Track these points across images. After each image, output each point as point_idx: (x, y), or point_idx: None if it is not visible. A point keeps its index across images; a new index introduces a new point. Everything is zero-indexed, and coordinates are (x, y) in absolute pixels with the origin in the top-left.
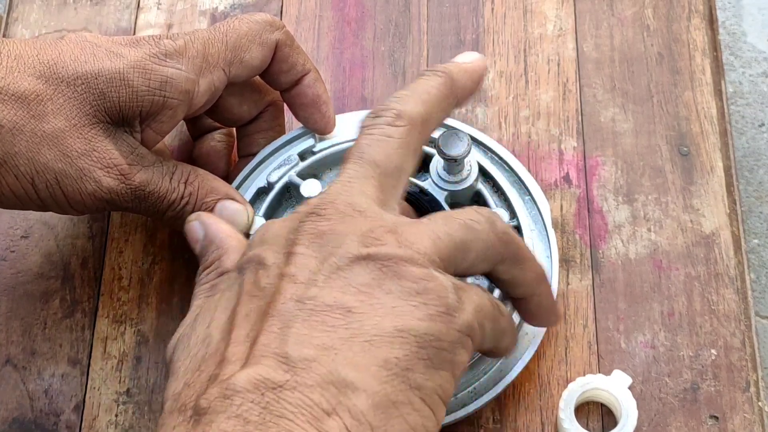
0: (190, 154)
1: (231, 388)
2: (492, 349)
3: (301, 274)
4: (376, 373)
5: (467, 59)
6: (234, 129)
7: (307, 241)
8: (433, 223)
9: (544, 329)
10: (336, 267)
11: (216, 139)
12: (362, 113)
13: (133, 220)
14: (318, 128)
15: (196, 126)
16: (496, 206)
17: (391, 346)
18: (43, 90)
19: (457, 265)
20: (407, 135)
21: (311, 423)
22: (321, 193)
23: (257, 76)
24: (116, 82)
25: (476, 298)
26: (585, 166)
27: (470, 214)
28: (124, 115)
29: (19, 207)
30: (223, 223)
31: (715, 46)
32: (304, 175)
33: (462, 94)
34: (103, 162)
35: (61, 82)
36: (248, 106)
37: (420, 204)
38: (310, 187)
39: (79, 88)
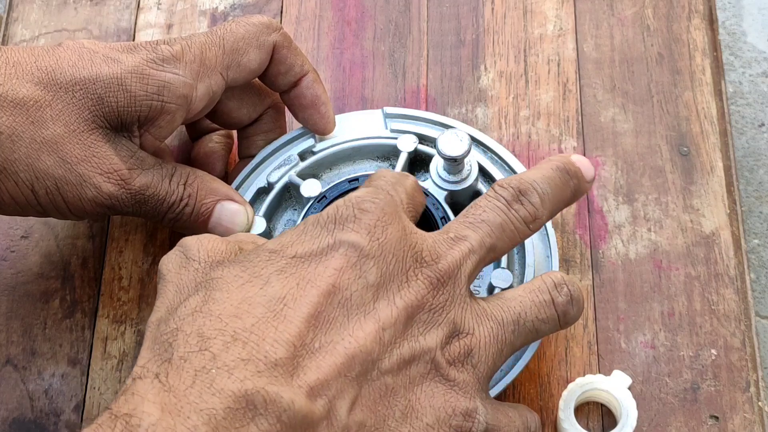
0: (189, 155)
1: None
2: None
3: (393, 334)
4: None
5: (587, 171)
6: (233, 130)
7: (422, 311)
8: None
9: None
10: (421, 373)
11: (214, 141)
12: (362, 113)
13: (133, 220)
14: (318, 129)
15: (195, 128)
16: None
17: None
18: (41, 96)
19: None
20: (529, 236)
21: None
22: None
23: (256, 79)
24: (114, 88)
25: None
26: None
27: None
28: (123, 120)
29: (19, 213)
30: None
31: (715, 46)
32: (304, 175)
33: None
34: (102, 168)
35: (60, 88)
36: (248, 109)
37: None
38: (310, 187)
39: (77, 94)
